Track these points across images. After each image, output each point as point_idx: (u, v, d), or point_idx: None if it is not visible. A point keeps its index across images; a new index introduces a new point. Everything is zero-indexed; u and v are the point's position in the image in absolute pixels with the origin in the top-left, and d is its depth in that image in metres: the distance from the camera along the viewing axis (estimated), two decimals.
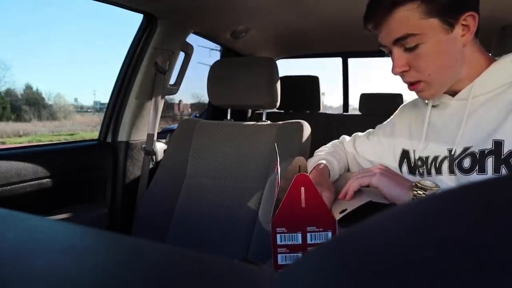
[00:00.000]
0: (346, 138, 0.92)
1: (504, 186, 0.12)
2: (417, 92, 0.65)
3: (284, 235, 0.58)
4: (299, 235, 0.58)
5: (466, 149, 0.61)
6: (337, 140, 0.93)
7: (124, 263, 0.16)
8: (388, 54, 0.65)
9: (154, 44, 1.25)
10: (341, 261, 0.13)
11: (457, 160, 0.62)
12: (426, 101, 0.72)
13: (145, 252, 0.18)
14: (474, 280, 0.09)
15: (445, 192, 0.13)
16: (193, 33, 1.43)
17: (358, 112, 2.18)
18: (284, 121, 1.14)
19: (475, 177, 0.59)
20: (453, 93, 0.66)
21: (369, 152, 0.82)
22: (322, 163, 0.78)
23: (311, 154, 1.11)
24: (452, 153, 0.63)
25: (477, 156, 0.59)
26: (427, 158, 0.68)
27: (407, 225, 0.13)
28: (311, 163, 0.82)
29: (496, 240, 0.10)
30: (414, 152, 0.71)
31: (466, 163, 0.60)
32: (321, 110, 2.14)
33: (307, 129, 1.10)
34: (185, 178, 1.14)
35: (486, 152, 0.58)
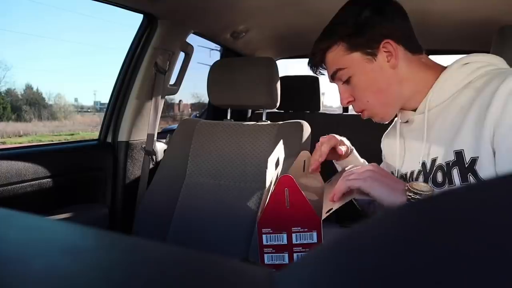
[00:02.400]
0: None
1: (498, 187, 0.12)
2: (372, 119, 0.71)
3: (270, 236, 0.60)
4: (285, 235, 0.60)
5: (433, 160, 0.62)
6: None
7: (124, 263, 0.16)
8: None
9: (154, 44, 1.25)
10: (340, 261, 0.13)
11: (431, 175, 0.63)
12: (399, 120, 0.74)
13: (145, 251, 0.18)
14: (472, 281, 0.09)
15: (444, 193, 0.13)
16: (193, 33, 1.43)
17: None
18: (284, 121, 1.14)
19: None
20: (414, 109, 0.68)
21: None
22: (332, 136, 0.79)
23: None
24: (425, 167, 0.64)
25: (445, 168, 0.60)
26: (405, 174, 0.70)
27: (405, 226, 0.13)
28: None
29: (494, 239, 0.10)
30: (397, 171, 0.73)
31: (439, 177, 0.61)
32: (321, 110, 2.14)
33: (307, 129, 1.10)
34: (185, 178, 1.14)
35: (450, 163, 0.59)
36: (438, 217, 0.13)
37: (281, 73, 1.24)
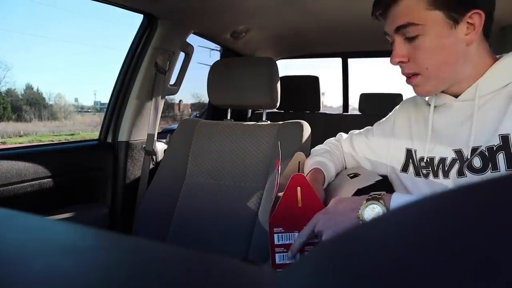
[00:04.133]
0: (343, 135, 0.90)
1: (499, 186, 0.12)
2: (414, 87, 0.65)
3: (282, 235, 0.59)
4: (296, 234, 0.59)
5: (474, 149, 0.60)
6: (333, 139, 0.91)
7: (124, 263, 0.16)
8: (391, 44, 0.65)
9: (154, 45, 1.25)
10: (340, 261, 0.13)
11: (467, 162, 0.61)
12: (428, 101, 0.71)
13: (145, 251, 0.18)
14: (471, 281, 0.09)
15: (443, 193, 0.13)
16: (193, 33, 1.43)
17: (358, 112, 2.18)
18: (284, 121, 1.14)
19: (489, 175, 0.59)
20: (454, 94, 0.65)
21: (368, 152, 0.81)
22: (318, 168, 0.77)
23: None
24: (461, 154, 0.62)
25: (486, 154, 0.58)
26: (432, 159, 0.67)
27: (406, 227, 0.13)
28: (306, 167, 0.81)
29: (493, 240, 0.10)
30: (415, 152, 0.70)
31: (477, 162, 0.59)
32: (321, 110, 2.14)
33: (307, 129, 1.10)
34: (185, 178, 1.14)
35: (494, 148, 0.57)
36: (438, 218, 0.13)
37: (281, 73, 1.24)
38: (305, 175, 0.66)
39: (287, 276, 0.15)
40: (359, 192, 0.65)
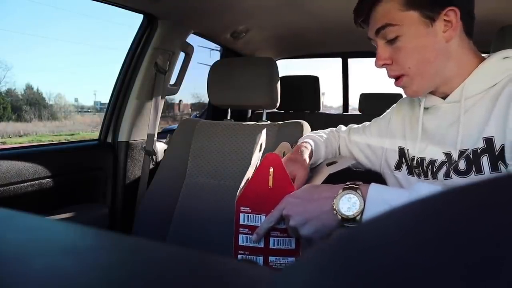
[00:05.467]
0: (342, 127, 0.92)
1: (500, 186, 0.12)
2: (403, 88, 0.66)
3: (248, 215, 0.56)
4: (263, 217, 0.55)
5: (462, 152, 0.60)
6: (332, 129, 0.93)
7: (124, 263, 0.16)
8: (376, 49, 0.66)
9: (154, 44, 1.25)
10: (341, 261, 0.13)
11: (453, 165, 0.61)
12: (420, 103, 0.71)
13: (145, 251, 0.18)
14: (471, 281, 0.09)
15: (443, 192, 0.13)
16: (193, 33, 1.43)
17: (358, 112, 2.18)
18: (284, 121, 1.14)
19: (473, 178, 0.58)
20: (444, 95, 0.65)
21: (364, 147, 0.82)
22: (308, 142, 0.77)
23: None
24: (450, 157, 0.62)
25: (471, 157, 0.58)
26: (422, 160, 0.67)
27: (407, 226, 0.13)
28: (300, 140, 0.81)
29: (493, 241, 0.10)
30: (407, 151, 0.71)
31: (462, 165, 0.60)
32: (321, 110, 2.14)
33: (307, 129, 1.10)
34: (185, 178, 1.14)
35: (479, 151, 0.57)
36: (442, 217, 0.13)
37: (281, 73, 1.24)
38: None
39: (286, 276, 0.15)
40: (331, 178, 0.63)
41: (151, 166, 1.32)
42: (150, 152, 1.32)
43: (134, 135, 1.31)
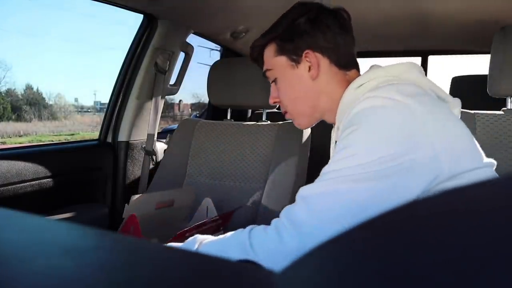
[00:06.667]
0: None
1: (499, 189, 0.12)
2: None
3: None
4: None
5: None
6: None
7: (124, 263, 0.16)
8: None
9: (154, 44, 1.25)
10: (340, 262, 0.13)
11: None
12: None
13: (145, 252, 0.18)
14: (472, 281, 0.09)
15: (444, 192, 0.14)
16: (193, 33, 1.43)
17: None
18: (284, 121, 1.14)
19: None
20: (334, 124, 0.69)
21: None
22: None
23: (311, 154, 1.11)
24: None
25: None
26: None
27: (408, 227, 0.13)
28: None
29: (493, 241, 0.10)
30: None
31: None
32: None
33: (307, 129, 1.10)
34: (185, 178, 1.14)
35: None
36: (435, 218, 0.13)
37: None
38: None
39: (286, 276, 0.15)
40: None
41: (151, 166, 1.33)
42: (150, 152, 1.32)
43: (134, 135, 1.31)
